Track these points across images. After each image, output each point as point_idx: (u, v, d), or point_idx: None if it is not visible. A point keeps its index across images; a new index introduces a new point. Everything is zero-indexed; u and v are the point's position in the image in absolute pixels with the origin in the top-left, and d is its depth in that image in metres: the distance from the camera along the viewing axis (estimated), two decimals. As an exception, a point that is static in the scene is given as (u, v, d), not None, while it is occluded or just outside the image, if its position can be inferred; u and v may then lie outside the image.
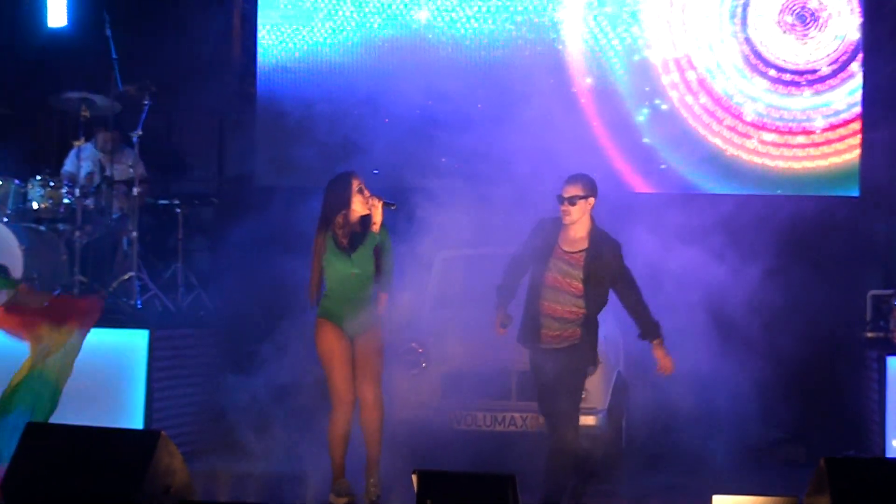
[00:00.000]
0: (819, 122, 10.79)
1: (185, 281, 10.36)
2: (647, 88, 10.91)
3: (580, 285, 7.00)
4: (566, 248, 7.08)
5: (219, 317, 10.19)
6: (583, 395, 7.28)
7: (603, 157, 10.73)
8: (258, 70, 11.29)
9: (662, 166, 10.89)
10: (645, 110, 10.90)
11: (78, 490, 5.89)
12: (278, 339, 8.40)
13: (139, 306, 9.60)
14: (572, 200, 7.01)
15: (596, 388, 8.05)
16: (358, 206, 7.29)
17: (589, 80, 10.90)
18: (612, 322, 8.19)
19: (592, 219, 7.13)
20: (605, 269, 7.03)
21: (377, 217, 7.28)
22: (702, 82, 10.92)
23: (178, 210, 10.48)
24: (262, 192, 11.08)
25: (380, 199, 7.33)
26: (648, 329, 7.14)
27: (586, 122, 10.79)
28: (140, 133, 9.91)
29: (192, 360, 9.57)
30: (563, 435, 6.95)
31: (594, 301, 7.09)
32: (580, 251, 7.05)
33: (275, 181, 11.19)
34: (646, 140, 10.88)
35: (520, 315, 7.22)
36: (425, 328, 8.41)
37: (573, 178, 7.08)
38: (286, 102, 11.13)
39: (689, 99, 10.89)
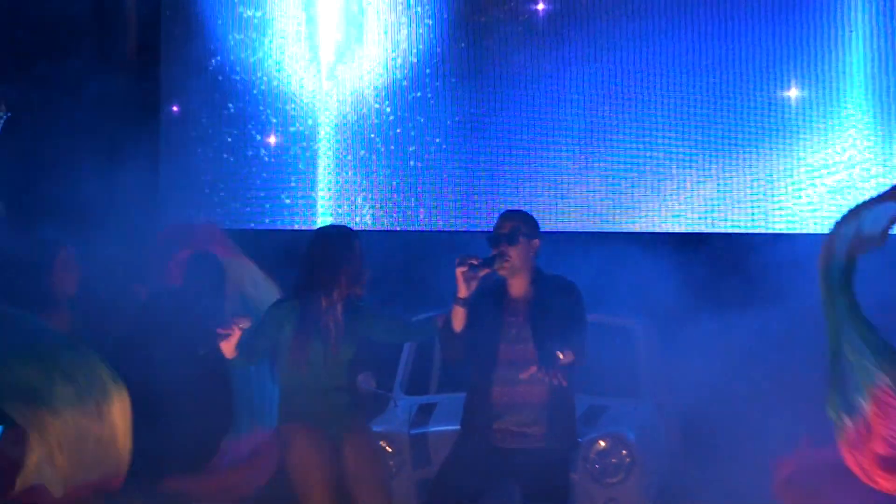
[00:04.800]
0: None
1: None
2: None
3: (532, 348, 5.82)
4: (512, 304, 5.97)
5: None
6: None
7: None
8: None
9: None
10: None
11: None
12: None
13: None
14: (513, 237, 5.84)
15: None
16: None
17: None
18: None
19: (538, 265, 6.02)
20: (555, 315, 5.83)
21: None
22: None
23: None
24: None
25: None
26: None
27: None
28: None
29: None
30: None
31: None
32: (523, 298, 5.93)
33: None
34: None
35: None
36: (395, 421, 7.32)
37: (510, 213, 6.02)
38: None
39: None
